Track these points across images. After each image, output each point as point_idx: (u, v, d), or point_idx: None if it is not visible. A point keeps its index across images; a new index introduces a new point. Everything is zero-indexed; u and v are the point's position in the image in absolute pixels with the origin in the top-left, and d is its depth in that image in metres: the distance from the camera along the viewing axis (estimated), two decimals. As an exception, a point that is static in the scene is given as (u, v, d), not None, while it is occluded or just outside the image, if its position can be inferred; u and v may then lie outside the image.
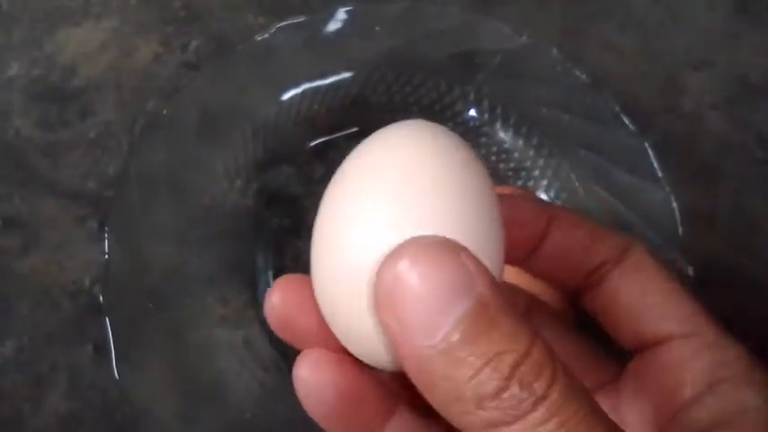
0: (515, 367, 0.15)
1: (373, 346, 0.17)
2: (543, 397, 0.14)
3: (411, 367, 0.15)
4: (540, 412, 0.14)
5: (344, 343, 0.18)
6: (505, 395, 0.14)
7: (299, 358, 0.19)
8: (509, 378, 0.14)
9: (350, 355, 0.18)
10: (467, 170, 0.17)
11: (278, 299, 0.19)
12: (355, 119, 0.36)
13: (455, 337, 0.15)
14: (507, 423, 0.14)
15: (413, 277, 0.15)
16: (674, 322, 0.20)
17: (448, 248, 0.15)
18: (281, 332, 0.19)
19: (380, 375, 0.19)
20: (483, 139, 0.36)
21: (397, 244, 0.15)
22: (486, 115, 0.36)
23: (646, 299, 0.21)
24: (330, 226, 0.17)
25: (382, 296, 0.15)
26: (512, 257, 0.21)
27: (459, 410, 0.15)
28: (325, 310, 0.17)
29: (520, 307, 0.23)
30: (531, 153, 0.35)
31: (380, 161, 0.17)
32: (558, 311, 0.25)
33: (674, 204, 0.31)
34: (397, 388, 0.20)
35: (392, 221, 0.16)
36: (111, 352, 0.29)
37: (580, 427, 0.14)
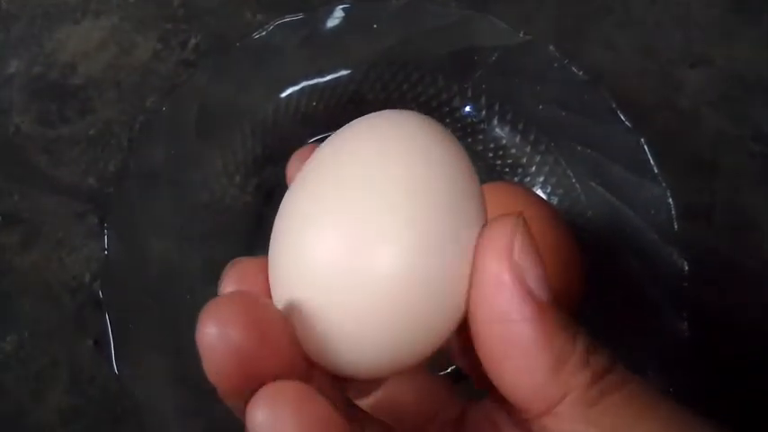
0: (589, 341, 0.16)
1: (372, 350, 0.15)
2: (613, 359, 0.16)
3: (525, 330, 0.15)
4: (621, 367, 0.16)
5: (322, 352, 0.16)
6: (597, 354, 0.16)
7: (258, 397, 0.14)
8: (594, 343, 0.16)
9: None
10: (442, 164, 0.16)
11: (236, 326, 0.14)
12: (353, 116, 0.35)
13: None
14: (609, 370, 0.16)
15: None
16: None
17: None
18: (235, 374, 0.14)
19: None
20: (480, 136, 0.36)
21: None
22: (484, 112, 0.36)
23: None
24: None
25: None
26: None
27: (570, 369, 0.15)
28: (303, 320, 0.15)
29: None
30: (528, 149, 0.35)
31: (351, 151, 0.17)
32: None
33: (670, 200, 0.32)
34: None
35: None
36: (111, 347, 0.29)
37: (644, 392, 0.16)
